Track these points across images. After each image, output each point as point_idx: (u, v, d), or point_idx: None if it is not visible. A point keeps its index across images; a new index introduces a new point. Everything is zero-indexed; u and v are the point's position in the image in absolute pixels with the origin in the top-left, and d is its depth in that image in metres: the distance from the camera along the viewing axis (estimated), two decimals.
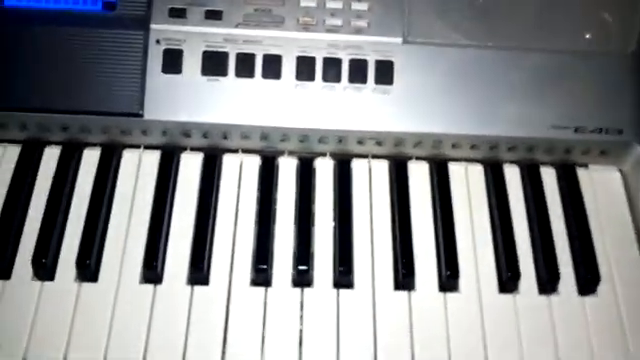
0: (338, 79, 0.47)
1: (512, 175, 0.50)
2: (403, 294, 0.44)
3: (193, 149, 0.49)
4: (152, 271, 0.43)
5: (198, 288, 0.43)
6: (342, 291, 0.44)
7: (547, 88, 0.49)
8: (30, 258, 0.43)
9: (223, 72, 0.47)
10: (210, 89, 0.47)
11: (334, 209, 0.48)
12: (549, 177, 0.51)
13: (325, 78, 0.47)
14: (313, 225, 0.47)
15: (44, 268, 0.43)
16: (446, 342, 0.43)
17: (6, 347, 0.41)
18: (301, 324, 0.42)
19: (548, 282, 0.45)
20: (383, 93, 0.48)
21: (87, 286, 0.43)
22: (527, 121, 0.48)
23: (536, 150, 0.50)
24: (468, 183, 0.50)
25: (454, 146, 0.49)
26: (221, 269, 0.44)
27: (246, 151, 0.50)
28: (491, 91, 0.48)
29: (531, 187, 0.50)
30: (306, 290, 0.44)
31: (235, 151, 0.50)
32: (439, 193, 0.49)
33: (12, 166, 0.47)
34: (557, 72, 0.49)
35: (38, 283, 0.43)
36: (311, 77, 0.47)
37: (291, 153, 0.50)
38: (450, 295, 0.45)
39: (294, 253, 0.45)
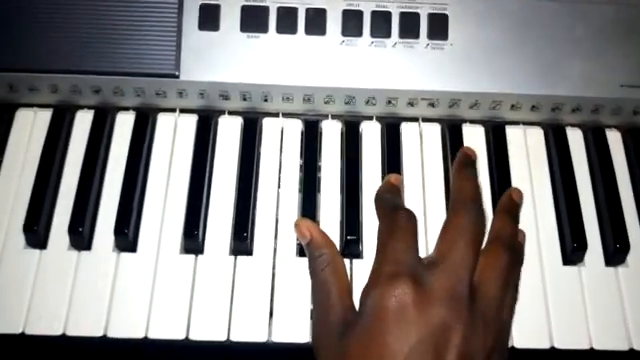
0: (388, 34, 0.44)
1: (575, 138, 0.47)
2: None
3: (231, 113, 0.47)
4: (193, 241, 0.41)
5: (241, 258, 0.41)
6: None
7: (616, 43, 0.44)
8: (66, 227, 0.41)
9: (263, 28, 0.44)
10: (249, 47, 0.44)
11: (382, 175, 0.45)
12: (615, 141, 0.47)
13: (373, 33, 0.44)
14: (361, 193, 0.44)
15: (81, 237, 0.41)
16: None
17: (45, 319, 0.39)
18: None
19: (616, 253, 0.42)
20: (437, 49, 0.44)
21: (125, 256, 0.41)
22: (595, 80, 0.44)
23: (602, 112, 0.46)
24: (527, 147, 0.46)
25: (513, 107, 0.45)
26: (265, 239, 0.42)
27: (287, 114, 0.47)
28: (555, 47, 0.44)
29: (597, 152, 0.46)
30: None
31: (276, 115, 0.47)
32: (496, 158, 0.45)
33: (44, 131, 0.45)
34: (627, 25, 0.45)
35: (75, 253, 0.41)
36: (358, 32, 0.44)
37: (335, 116, 0.47)
38: None
39: (340, 223, 0.43)
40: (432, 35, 0.44)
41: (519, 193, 0.42)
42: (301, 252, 0.41)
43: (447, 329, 0.32)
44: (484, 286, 0.35)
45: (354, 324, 0.34)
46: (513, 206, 0.41)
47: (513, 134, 0.46)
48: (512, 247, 0.38)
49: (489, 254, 0.37)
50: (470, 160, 0.42)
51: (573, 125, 0.47)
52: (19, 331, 0.39)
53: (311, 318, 0.39)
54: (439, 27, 0.44)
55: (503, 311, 0.36)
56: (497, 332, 0.34)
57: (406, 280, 0.33)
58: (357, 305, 0.36)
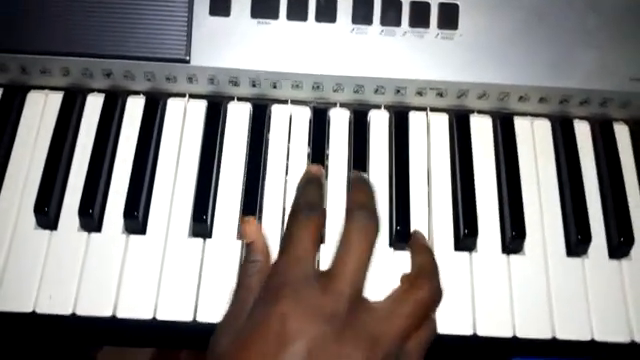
0: (398, 23, 0.44)
1: (582, 131, 0.47)
2: (464, 255, 0.42)
3: (240, 99, 0.47)
4: (202, 224, 0.41)
5: None
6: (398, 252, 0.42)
7: (627, 36, 0.44)
8: (77, 209, 0.42)
9: (274, 14, 0.44)
10: (260, 33, 0.44)
11: (389, 165, 0.45)
12: (622, 134, 0.47)
13: (384, 22, 0.44)
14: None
15: (91, 219, 0.42)
16: (509, 306, 0.41)
17: (55, 298, 0.40)
18: None
19: (620, 246, 0.42)
20: (446, 39, 0.44)
21: (135, 238, 0.42)
22: (604, 72, 0.44)
23: (610, 105, 0.46)
24: (534, 139, 0.46)
25: (521, 99, 0.45)
26: (272, 225, 0.42)
27: (296, 102, 0.47)
28: (565, 39, 0.44)
29: (603, 145, 0.46)
30: None
31: (284, 102, 0.47)
32: (504, 149, 0.45)
33: (55, 114, 0.46)
34: (639, 18, 0.45)
35: (85, 234, 0.42)
36: (369, 20, 0.44)
37: (343, 105, 0.47)
38: (514, 257, 0.42)
39: (347, 210, 0.43)
40: (442, 25, 0.44)
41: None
42: None
43: (320, 342, 0.31)
44: (391, 308, 0.33)
45: (243, 329, 0.33)
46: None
47: (520, 126, 0.46)
48: (437, 284, 0.35)
49: (413, 283, 0.34)
50: (359, 175, 0.40)
51: (581, 118, 0.47)
52: (29, 310, 0.40)
53: None
54: (449, 17, 0.44)
55: (408, 343, 0.33)
56: (390, 358, 0.32)
57: (289, 296, 0.32)
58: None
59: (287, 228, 0.36)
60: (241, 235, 0.39)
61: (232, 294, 0.37)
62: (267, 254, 0.37)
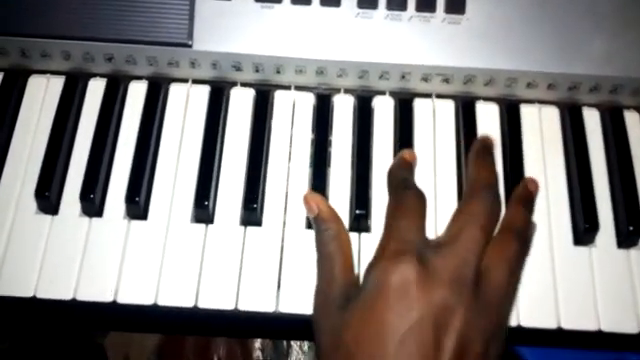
0: (404, 7, 0.43)
1: (591, 119, 0.46)
2: None
3: (243, 84, 0.46)
4: (204, 210, 0.41)
5: (251, 229, 0.41)
6: None
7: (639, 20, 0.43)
8: (78, 193, 0.42)
9: None
10: (264, 17, 0.43)
11: (394, 152, 0.44)
12: (633, 122, 0.46)
13: (389, 6, 0.43)
14: (371, 168, 0.43)
15: (92, 204, 0.41)
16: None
17: (55, 284, 0.40)
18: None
19: (629, 235, 0.42)
20: (453, 24, 0.43)
21: (136, 224, 0.41)
22: (615, 58, 0.43)
23: (621, 92, 0.45)
24: (541, 126, 0.45)
25: (529, 85, 0.45)
26: (275, 211, 0.42)
27: (299, 88, 0.46)
28: (575, 23, 0.43)
29: (613, 133, 0.45)
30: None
31: (288, 87, 0.46)
32: (510, 137, 0.44)
33: (56, 98, 0.45)
34: None
35: (86, 219, 0.42)
36: (374, 5, 0.43)
37: (348, 91, 0.46)
38: None
39: (350, 197, 0.42)
40: (449, 9, 0.43)
41: (535, 184, 0.41)
42: (310, 225, 0.41)
43: (448, 310, 0.32)
44: (491, 273, 0.35)
45: (356, 298, 0.34)
46: (528, 196, 0.40)
47: (528, 113, 0.46)
48: (523, 237, 0.37)
49: (499, 242, 0.36)
50: (489, 148, 0.42)
51: (590, 105, 0.46)
52: (30, 295, 0.39)
53: None
54: (456, 1, 0.43)
55: (506, 300, 0.35)
56: (498, 320, 0.34)
57: (411, 258, 0.33)
58: (362, 280, 0.36)
59: (394, 204, 0.38)
60: (307, 210, 0.40)
61: (317, 269, 0.38)
62: (336, 219, 0.39)
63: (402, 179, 0.40)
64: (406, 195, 0.37)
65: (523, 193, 0.40)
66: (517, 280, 0.38)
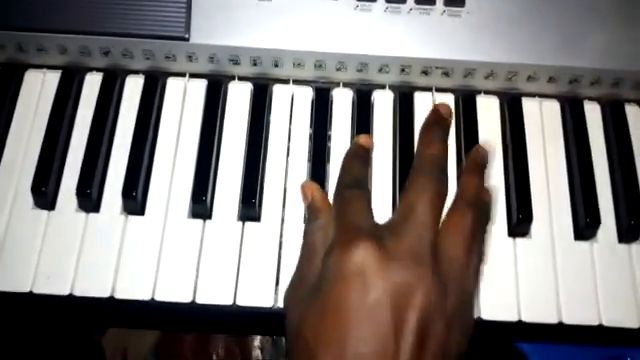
0: (403, 0, 0.42)
1: (593, 112, 0.45)
2: None
3: (241, 78, 0.46)
4: (201, 205, 0.41)
5: (249, 224, 0.41)
6: None
7: None
8: (74, 189, 0.41)
9: None
10: (262, 10, 0.43)
11: (393, 146, 0.44)
12: (634, 116, 0.45)
13: None
14: (371, 162, 0.43)
15: (89, 199, 0.41)
16: (515, 290, 0.40)
17: (53, 279, 0.39)
18: None
19: (631, 230, 0.41)
20: (453, 16, 0.43)
21: (133, 219, 0.41)
22: (617, 51, 0.43)
23: (622, 85, 0.45)
24: (542, 120, 0.45)
25: (529, 78, 0.44)
26: (273, 206, 0.41)
27: (298, 82, 0.46)
28: (576, 15, 0.43)
29: (614, 126, 0.45)
30: None
31: (286, 81, 0.46)
32: (511, 130, 0.44)
33: (52, 93, 0.45)
34: None
35: (83, 215, 0.41)
36: None
37: (347, 84, 0.46)
38: (520, 240, 0.41)
39: None
40: (449, 2, 0.42)
41: (484, 150, 0.41)
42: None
43: (408, 289, 0.31)
44: (447, 246, 0.34)
45: (315, 290, 0.33)
46: (478, 163, 0.40)
47: (528, 106, 0.45)
48: (476, 205, 0.36)
49: (452, 213, 0.36)
50: (440, 121, 0.41)
51: (591, 99, 0.46)
52: (27, 290, 0.39)
53: None
54: None
55: (467, 272, 0.34)
56: (460, 294, 0.33)
57: (365, 242, 0.32)
58: None
59: (339, 195, 0.38)
60: (302, 197, 0.40)
61: (299, 255, 0.38)
62: (327, 210, 0.38)
63: (351, 178, 0.39)
64: (351, 194, 0.37)
65: (473, 161, 0.40)
66: (478, 252, 0.36)
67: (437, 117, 0.41)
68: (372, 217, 0.36)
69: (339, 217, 0.36)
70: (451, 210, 0.36)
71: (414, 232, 0.33)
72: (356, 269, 0.31)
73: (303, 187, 0.40)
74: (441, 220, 0.35)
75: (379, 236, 0.33)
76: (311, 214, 0.38)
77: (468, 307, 0.35)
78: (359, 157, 0.40)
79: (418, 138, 0.41)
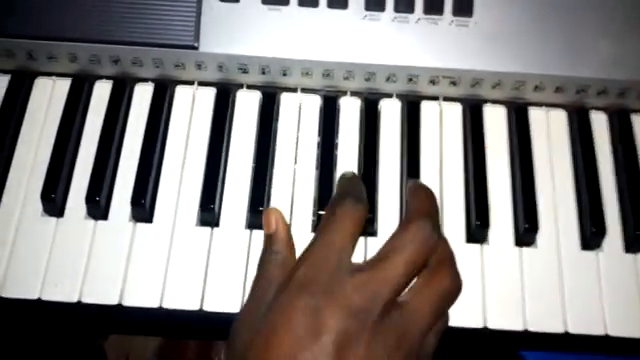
0: (411, 9, 0.43)
1: (599, 122, 0.46)
2: (475, 247, 0.41)
3: (249, 87, 0.46)
4: (209, 213, 0.41)
5: (257, 232, 0.41)
6: None
7: None
8: (83, 196, 0.42)
9: (285, 0, 0.43)
10: (271, 20, 0.43)
11: (400, 155, 0.44)
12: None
13: (397, 8, 0.43)
14: (378, 171, 0.43)
15: (98, 206, 0.41)
16: (521, 300, 0.40)
17: (61, 286, 0.40)
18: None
19: (636, 240, 0.41)
20: (461, 26, 0.43)
21: (142, 226, 0.41)
22: (624, 61, 0.43)
23: (629, 95, 0.45)
24: (549, 130, 0.45)
25: (536, 88, 0.44)
26: None
27: (305, 90, 0.46)
28: (583, 26, 0.43)
29: (620, 137, 0.45)
30: None
31: (294, 90, 0.46)
32: (518, 140, 0.44)
33: (62, 101, 0.45)
34: None
35: (92, 222, 0.41)
36: (381, 7, 0.43)
37: (354, 93, 0.46)
38: (526, 250, 0.41)
39: None
40: (457, 12, 0.43)
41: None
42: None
43: (351, 339, 0.30)
44: (416, 305, 0.32)
45: (263, 320, 0.32)
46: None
47: (535, 116, 0.45)
48: (458, 274, 0.35)
49: (434, 274, 0.34)
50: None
51: (598, 108, 0.46)
52: (35, 297, 0.39)
53: None
54: (464, 3, 0.43)
55: (428, 335, 0.33)
56: (412, 353, 0.32)
57: (316, 289, 0.31)
58: None
59: (327, 214, 0.35)
60: (264, 224, 0.38)
61: (252, 285, 0.36)
62: (290, 246, 0.37)
63: (347, 189, 0.37)
64: (341, 205, 0.35)
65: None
66: (446, 317, 0.34)
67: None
68: (353, 245, 0.34)
69: (320, 236, 0.34)
70: (435, 270, 0.34)
71: (374, 287, 0.31)
72: (302, 315, 0.31)
73: (269, 214, 0.38)
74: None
75: (334, 282, 0.32)
76: (272, 245, 0.36)
77: None
78: (358, 180, 0.39)
79: (409, 191, 0.39)
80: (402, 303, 0.32)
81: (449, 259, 0.35)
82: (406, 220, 0.35)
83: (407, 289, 0.33)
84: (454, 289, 0.34)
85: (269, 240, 0.37)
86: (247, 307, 0.35)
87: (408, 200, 0.38)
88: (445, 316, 0.35)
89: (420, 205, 0.36)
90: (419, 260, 0.33)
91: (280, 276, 0.34)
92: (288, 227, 0.37)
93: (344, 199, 0.35)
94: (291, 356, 0.30)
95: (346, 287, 0.31)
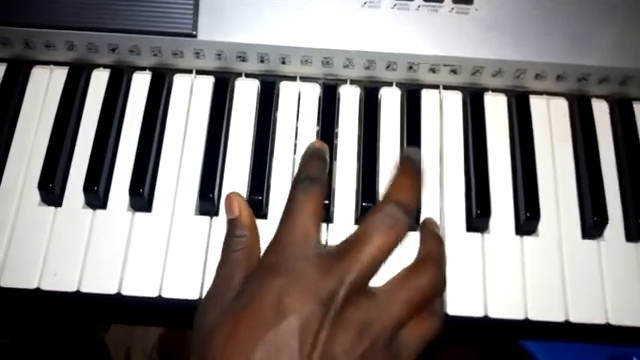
0: None
1: (601, 110, 0.45)
2: (476, 236, 0.41)
3: (248, 75, 0.46)
4: (208, 202, 0.41)
5: (257, 222, 0.41)
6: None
7: None
8: (81, 185, 0.41)
9: None
10: (269, 7, 0.43)
11: (401, 144, 0.44)
12: None
13: None
14: (378, 160, 0.43)
15: (96, 196, 0.41)
16: (522, 288, 0.40)
17: (60, 275, 0.40)
18: None
19: (638, 228, 0.41)
20: (461, 13, 0.42)
21: (140, 216, 0.41)
22: (625, 49, 0.42)
23: (630, 83, 0.44)
24: (550, 118, 0.45)
25: (537, 76, 0.44)
26: (280, 203, 0.41)
27: (305, 78, 0.46)
28: (585, 13, 0.43)
29: (622, 125, 0.45)
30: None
31: (293, 78, 0.46)
32: (519, 128, 0.44)
33: (60, 89, 0.45)
34: None
35: (90, 211, 0.41)
36: None
37: (354, 81, 0.46)
38: (528, 239, 0.41)
39: (356, 190, 0.42)
40: None
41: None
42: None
43: (314, 322, 0.30)
44: (388, 296, 0.32)
45: (231, 305, 0.32)
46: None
47: (536, 104, 0.45)
48: (441, 274, 0.34)
49: (415, 269, 0.33)
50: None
51: (599, 97, 0.46)
52: (34, 286, 0.39)
53: None
54: None
55: (403, 333, 0.32)
56: (378, 345, 0.31)
57: (282, 276, 0.31)
58: None
59: (287, 201, 0.35)
60: (226, 209, 0.38)
61: (217, 269, 0.36)
62: (253, 228, 0.37)
63: (304, 168, 0.36)
64: (297, 188, 0.34)
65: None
66: (428, 318, 0.33)
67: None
68: (317, 228, 0.34)
69: (282, 223, 0.34)
70: (413, 267, 0.33)
71: (340, 271, 0.31)
72: (272, 296, 0.31)
73: (231, 198, 0.37)
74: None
75: (300, 268, 0.32)
76: (235, 229, 0.36)
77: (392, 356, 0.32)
78: (317, 156, 0.38)
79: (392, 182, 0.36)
80: (373, 292, 0.32)
81: (435, 258, 0.34)
82: (378, 204, 0.34)
83: (386, 282, 0.33)
84: (432, 288, 0.33)
85: (232, 224, 0.37)
86: (212, 291, 0.35)
87: (391, 177, 0.36)
88: (433, 321, 0.34)
89: (394, 188, 0.35)
90: (386, 246, 0.32)
91: (244, 258, 0.35)
92: (251, 211, 0.38)
93: (300, 181, 0.35)
94: (256, 337, 0.30)
95: (312, 272, 0.31)
